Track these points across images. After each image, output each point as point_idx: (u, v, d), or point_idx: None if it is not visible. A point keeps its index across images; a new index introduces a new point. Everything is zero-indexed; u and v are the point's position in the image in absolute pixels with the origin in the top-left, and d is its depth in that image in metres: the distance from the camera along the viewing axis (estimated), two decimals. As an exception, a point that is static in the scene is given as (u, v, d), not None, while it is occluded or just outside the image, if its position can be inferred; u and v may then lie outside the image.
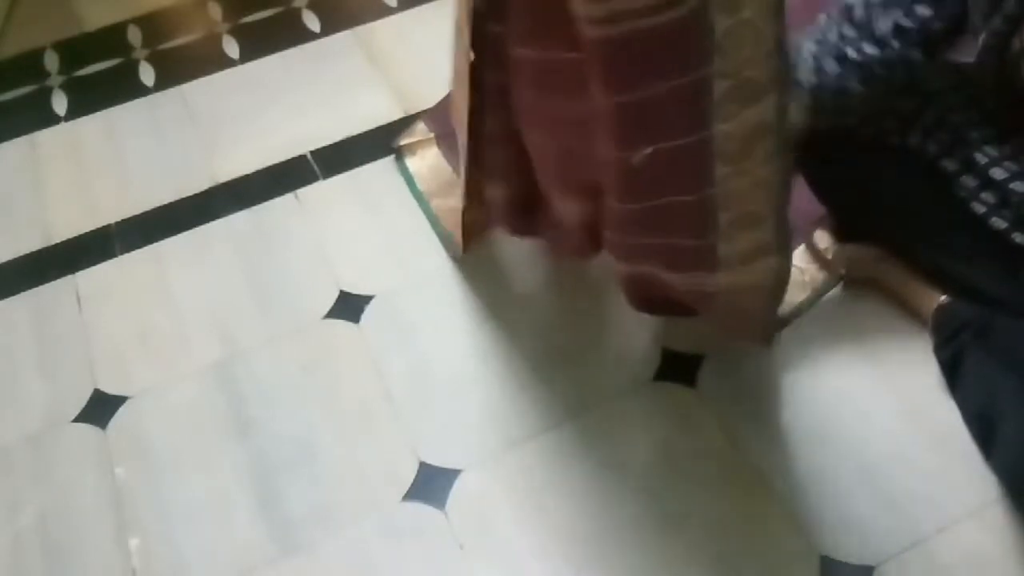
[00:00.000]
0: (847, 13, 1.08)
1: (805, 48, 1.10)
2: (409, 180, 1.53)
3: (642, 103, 0.89)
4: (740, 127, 0.87)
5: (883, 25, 1.05)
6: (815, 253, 1.31)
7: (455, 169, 1.48)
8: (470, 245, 1.39)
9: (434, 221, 1.46)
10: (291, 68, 1.81)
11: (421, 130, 1.59)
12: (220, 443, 1.25)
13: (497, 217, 1.35)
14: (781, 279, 1.06)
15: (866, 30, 1.06)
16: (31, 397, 1.34)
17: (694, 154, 0.90)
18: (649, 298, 1.22)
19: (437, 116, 1.59)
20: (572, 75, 0.95)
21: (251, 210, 1.55)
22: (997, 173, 1.06)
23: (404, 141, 1.57)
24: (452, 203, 1.43)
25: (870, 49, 1.06)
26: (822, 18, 1.12)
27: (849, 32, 1.08)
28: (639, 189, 0.99)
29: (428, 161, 1.54)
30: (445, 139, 1.54)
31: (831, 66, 1.08)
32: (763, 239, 0.99)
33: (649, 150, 0.93)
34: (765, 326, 1.20)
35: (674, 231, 1.01)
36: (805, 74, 1.10)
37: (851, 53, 1.07)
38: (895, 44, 1.05)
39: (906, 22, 1.03)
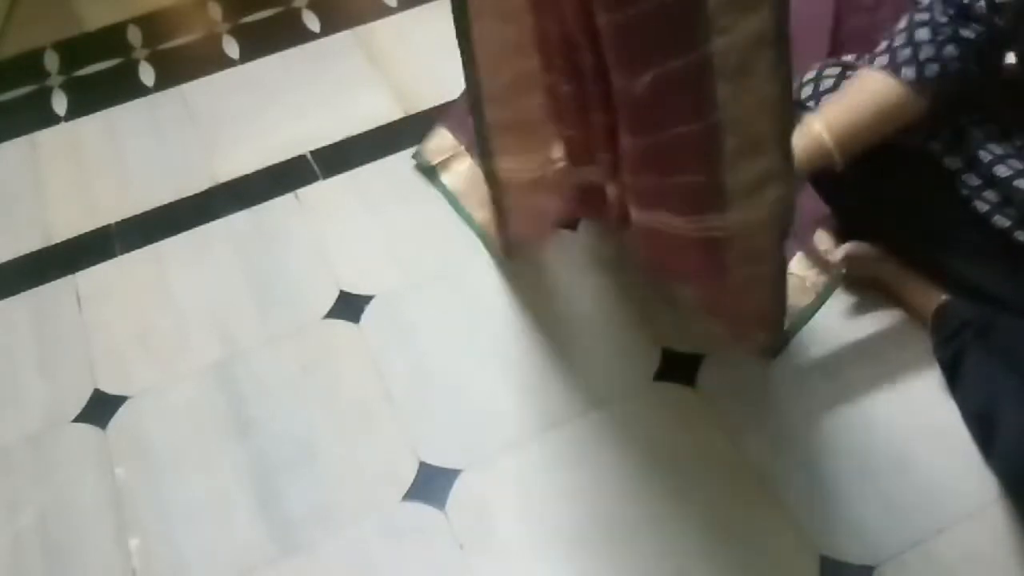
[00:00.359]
0: None
1: (918, 35, 1.06)
2: (451, 199, 1.50)
3: (637, 20, 0.87)
4: (739, 38, 0.84)
5: (976, 4, 1.02)
6: (815, 256, 1.30)
7: None
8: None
9: (482, 234, 1.44)
10: (291, 68, 1.81)
11: (449, 142, 1.55)
12: (220, 443, 1.25)
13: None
14: (787, 209, 1.02)
15: (964, 10, 1.03)
16: (31, 397, 1.34)
17: (694, 74, 0.88)
18: (663, 261, 1.21)
19: (461, 123, 1.55)
20: None
21: (251, 210, 1.55)
22: (1001, 171, 1.06)
23: (436, 160, 1.54)
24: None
25: (978, 26, 1.03)
26: (924, 0, 1.08)
27: (952, 11, 1.04)
28: (646, 121, 0.97)
29: (464, 175, 1.51)
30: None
31: (950, 51, 1.04)
32: (769, 167, 0.95)
33: (648, 76, 0.91)
34: (773, 316, 1.18)
35: (683, 167, 0.99)
36: (926, 65, 1.05)
37: (965, 32, 1.04)
38: (998, 20, 1.02)
39: None
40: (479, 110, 1.17)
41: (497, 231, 1.38)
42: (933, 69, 1.05)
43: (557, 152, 1.24)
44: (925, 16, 1.06)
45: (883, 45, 1.10)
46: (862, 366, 1.22)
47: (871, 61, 1.10)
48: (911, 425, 1.16)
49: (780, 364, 1.24)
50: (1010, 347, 1.09)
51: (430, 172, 1.54)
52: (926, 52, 1.05)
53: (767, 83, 0.88)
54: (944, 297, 1.18)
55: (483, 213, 1.44)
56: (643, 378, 1.25)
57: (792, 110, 0.94)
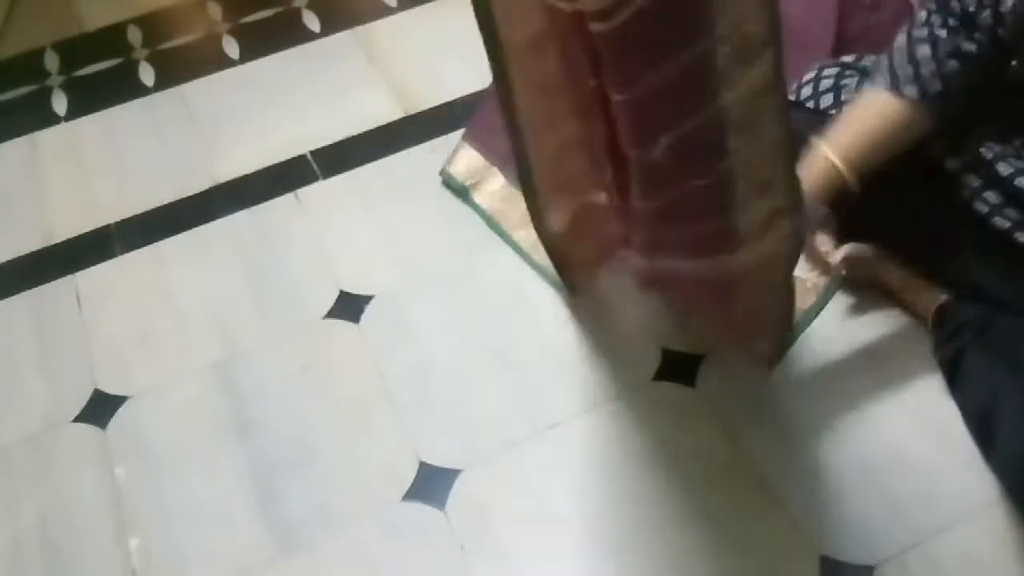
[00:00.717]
0: (945, 3, 1.03)
1: (919, 52, 1.05)
2: (488, 219, 1.46)
3: (655, 90, 0.87)
4: (747, 89, 0.85)
5: (982, 14, 1.01)
6: (816, 257, 1.30)
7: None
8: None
9: (525, 254, 1.40)
10: (291, 68, 1.81)
11: (479, 162, 1.52)
12: (220, 443, 1.25)
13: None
14: (796, 244, 1.01)
15: (968, 19, 1.02)
16: (31, 397, 1.34)
17: (709, 131, 0.88)
18: (664, 285, 1.20)
19: (486, 139, 1.53)
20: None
21: (251, 210, 1.55)
22: (1003, 169, 1.06)
23: (468, 182, 1.50)
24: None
25: (981, 36, 1.02)
26: (921, 15, 1.07)
27: (953, 22, 1.03)
28: (661, 183, 0.97)
29: (498, 194, 1.48)
30: (508, 164, 1.45)
31: (953, 66, 1.03)
32: (776, 203, 0.95)
33: (665, 141, 0.91)
34: (775, 333, 1.18)
35: (696, 218, 0.99)
36: (929, 81, 1.04)
37: (967, 46, 1.02)
38: (1001, 31, 1.01)
39: (1005, 7, 0.99)
40: (527, 173, 1.14)
41: (562, 279, 1.34)
42: (936, 86, 1.04)
43: (599, 197, 1.21)
44: (924, 32, 1.05)
45: (883, 63, 1.09)
46: (862, 366, 1.22)
47: (872, 81, 1.09)
48: (911, 425, 1.16)
49: (780, 364, 1.23)
50: (1010, 347, 1.09)
51: (462, 193, 1.50)
52: (928, 69, 1.04)
53: (773, 128, 0.88)
54: (944, 297, 1.18)
55: (524, 232, 1.40)
56: (643, 378, 1.25)
57: (795, 149, 0.93)
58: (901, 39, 1.08)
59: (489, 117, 1.56)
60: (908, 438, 1.15)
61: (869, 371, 1.21)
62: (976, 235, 1.10)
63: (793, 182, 0.94)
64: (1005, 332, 1.10)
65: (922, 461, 1.12)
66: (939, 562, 1.05)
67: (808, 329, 1.26)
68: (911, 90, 1.05)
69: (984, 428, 1.10)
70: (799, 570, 1.06)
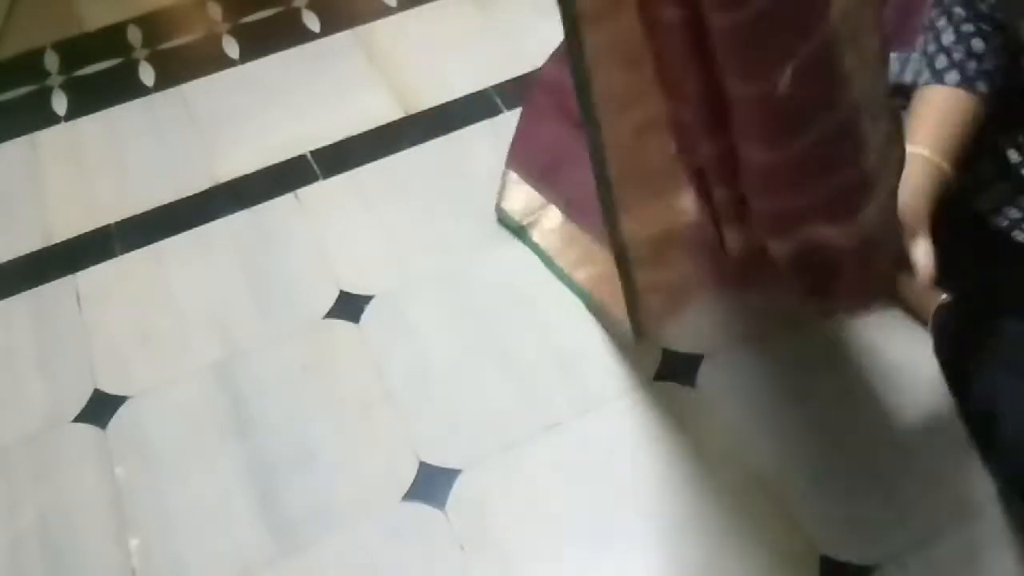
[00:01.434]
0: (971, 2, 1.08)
1: (975, 47, 1.07)
2: (545, 259, 1.38)
3: (767, 6, 0.78)
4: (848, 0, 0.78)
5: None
6: None
7: (585, 228, 1.35)
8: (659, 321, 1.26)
9: (584, 295, 1.33)
10: (291, 68, 1.81)
11: (534, 199, 1.44)
12: (220, 443, 1.25)
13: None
14: (903, 166, 0.97)
15: (994, 22, 1.06)
16: (31, 397, 1.34)
17: (825, 51, 0.79)
18: (816, 277, 1.10)
19: (531, 165, 1.46)
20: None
21: (251, 210, 1.55)
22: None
23: (525, 220, 1.42)
24: (600, 269, 1.29)
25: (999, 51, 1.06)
26: (958, 10, 1.09)
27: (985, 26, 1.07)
28: (793, 124, 0.87)
29: (555, 229, 1.40)
30: (554, 185, 1.42)
31: (1004, 59, 1.06)
32: (888, 129, 0.89)
33: (789, 69, 0.81)
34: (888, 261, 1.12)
35: (835, 166, 0.90)
36: (995, 75, 1.07)
37: (1006, 41, 1.06)
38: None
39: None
40: (602, 163, 1.03)
41: (628, 314, 1.24)
42: (999, 79, 1.07)
43: (685, 201, 1.12)
44: (971, 27, 1.08)
45: (942, 60, 1.09)
46: (862, 366, 1.22)
47: (934, 77, 1.10)
48: (911, 425, 1.16)
49: (780, 364, 1.23)
50: (1010, 347, 1.09)
51: (519, 232, 1.43)
52: (991, 63, 1.07)
53: (872, 38, 0.82)
54: (944, 297, 1.18)
55: (583, 272, 1.34)
56: (643, 378, 1.25)
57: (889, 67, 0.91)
58: (950, 35, 1.09)
59: (525, 139, 1.50)
60: (908, 438, 1.15)
61: (869, 371, 1.21)
62: (976, 235, 1.10)
63: (892, 101, 0.90)
64: (1005, 333, 1.10)
65: (922, 461, 1.12)
66: (939, 562, 1.05)
67: (808, 329, 1.26)
68: (981, 85, 1.07)
69: (984, 428, 1.10)
70: (799, 570, 1.06)
